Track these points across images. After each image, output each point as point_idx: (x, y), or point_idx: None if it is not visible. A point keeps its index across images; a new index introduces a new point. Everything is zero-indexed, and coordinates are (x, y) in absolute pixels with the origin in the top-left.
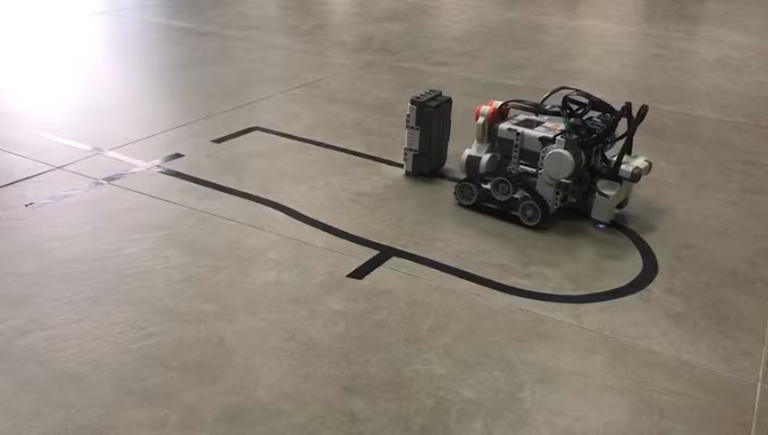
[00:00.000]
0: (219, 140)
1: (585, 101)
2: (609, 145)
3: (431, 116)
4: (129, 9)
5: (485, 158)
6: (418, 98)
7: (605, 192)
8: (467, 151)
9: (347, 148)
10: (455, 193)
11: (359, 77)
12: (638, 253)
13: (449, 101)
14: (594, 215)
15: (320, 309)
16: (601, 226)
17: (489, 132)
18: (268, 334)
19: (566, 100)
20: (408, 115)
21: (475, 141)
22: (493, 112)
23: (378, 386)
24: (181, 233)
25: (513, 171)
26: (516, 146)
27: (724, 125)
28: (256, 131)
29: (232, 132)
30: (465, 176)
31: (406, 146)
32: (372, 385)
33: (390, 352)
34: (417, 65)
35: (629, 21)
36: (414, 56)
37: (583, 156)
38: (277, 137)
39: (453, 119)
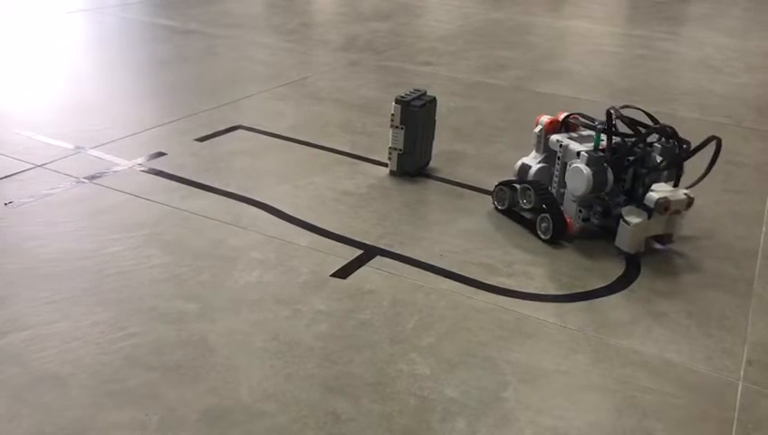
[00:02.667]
0: (202, 139)
1: (645, 121)
2: (656, 172)
3: (416, 115)
4: (112, 7)
5: (536, 167)
6: (403, 97)
7: (627, 219)
8: (523, 159)
9: (331, 147)
10: (492, 195)
11: (343, 76)
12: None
13: (434, 100)
14: (617, 243)
15: (303, 309)
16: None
17: (544, 143)
18: (251, 335)
19: (610, 116)
20: (393, 114)
21: (533, 150)
22: (550, 122)
23: (361, 386)
24: (163, 232)
25: (557, 183)
26: (559, 158)
27: (707, 125)
28: (240, 130)
29: (215, 131)
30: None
31: (390, 145)
32: (356, 385)
33: (374, 351)
34: (402, 65)
35: (613, 22)
36: (399, 55)
37: (610, 176)
38: (261, 136)
39: (437, 118)
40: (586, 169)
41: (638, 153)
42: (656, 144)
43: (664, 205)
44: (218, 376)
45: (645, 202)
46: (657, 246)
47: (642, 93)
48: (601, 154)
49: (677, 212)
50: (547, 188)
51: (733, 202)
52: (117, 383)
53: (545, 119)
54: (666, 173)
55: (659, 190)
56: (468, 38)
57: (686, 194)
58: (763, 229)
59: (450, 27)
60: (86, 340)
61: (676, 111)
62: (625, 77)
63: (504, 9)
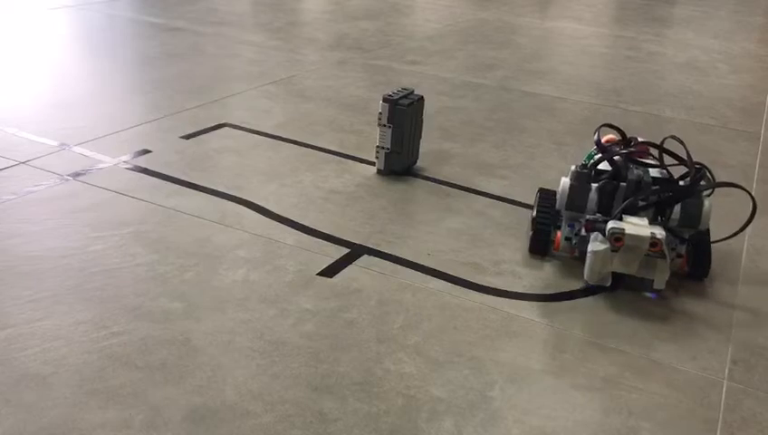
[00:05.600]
0: (188, 137)
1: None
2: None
3: (404, 114)
4: (98, 3)
5: None
6: (391, 96)
7: (589, 244)
8: None
9: (319, 145)
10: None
11: (331, 75)
12: None
13: (421, 99)
14: (584, 269)
15: (289, 308)
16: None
17: None
18: (236, 334)
19: (628, 143)
20: (381, 113)
21: None
22: (606, 142)
23: (348, 385)
24: (148, 230)
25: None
26: None
27: (692, 126)
28: (226, 128)
29: (201, 129)
30: None
31: (378, 144)
32: (342, 384)
33: (361, 351)
34: (389, 64)
35: (601, 23)
36: (387, 55)
37: (593, 196)
38: (248, 134)
39: (425, 117)
40: (565, 181)
41: (629, 179)
42: (681, 181)
43: (615, 236)
44: (203, 375)
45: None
46: (647, 294)
47: (629, 94)
48: (586, 171)
49: (660, 256)
50: (547, 201)
51: (717, 203)
52: (100, 383)
53: (604, 138)
54: (675, 210)
55: (628, 221)
56: (456, 38)
57: (654, 233)
58: (748, 230)
59: (438, 27)
60: (69, 339)
61: (663, 112)
62: (612, 78)
63: (491, 9)
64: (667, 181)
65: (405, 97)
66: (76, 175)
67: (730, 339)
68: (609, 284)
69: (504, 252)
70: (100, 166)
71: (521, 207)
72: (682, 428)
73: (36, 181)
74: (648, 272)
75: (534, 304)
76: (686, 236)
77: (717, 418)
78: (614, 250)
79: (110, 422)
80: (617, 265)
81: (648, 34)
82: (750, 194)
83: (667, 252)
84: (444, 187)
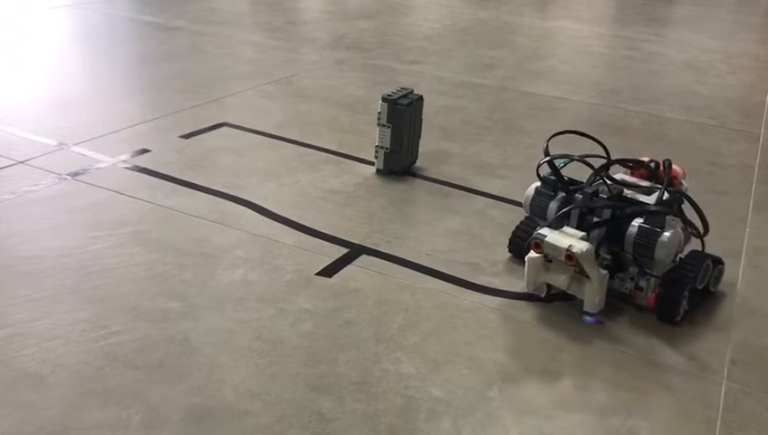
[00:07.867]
0: (187, 136)
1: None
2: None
3: (403, 114)
4: (97, 2)
5: None
6: (390, 95)
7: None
8: None
9: (318, 145)
10: None
11: (330, 74)
12: None
13: (421, 99)
14: None
15: (288, 308)
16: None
17: None
18: (235, 333)
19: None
20: (380, 113)
21: None
22: (635, 175)
23: (346, 385)
24: (147, 230)
25: None
26: None
27: (692, 126)
28: (225, 127)
29: (200, 128)
30: None
31: (377, 144)
32: (340, 384)
33: (359, 351)
34: (388, 63)
35: (600, 22)
36: (386, 54)
37: (552, 204)
38: (246, 133)
39: (424, 117)
40: (531, 187)
41: (584, 191)
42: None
43: (534, 241)
44: (202, 375)
45: None
46: (586, 318)
47: (628, 94)
48: (552, 178)
49: (584, 274)
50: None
51: (717, 203)
52: (98, 382)
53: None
54: (630, 235)
55: (560, 231)
56: (455, 37)
57: (570, 245)
58: (747, 230)
59: (437, 26)
60: (67, 338)
61: (662, 112)
62: (611, 78)
63: (491, 9)
64: (624, 200)
65: (404, 97)
66: (75, 174)
67: (729, 339)
68: (543, 295)
69: (502, 252)
70: (99, 165)
71: (520, 208)
72: (681, 428)
73: (35, 181)
74: (575, 289)
75: (533, 304)
76: (654, 271)
77: (716, 418)
78: (549, 260)
79: (108, 422)
80: (552, 277)
81: (647, 34)
82: (702, 238)
83: (592, 271)
84: (443, 187)
